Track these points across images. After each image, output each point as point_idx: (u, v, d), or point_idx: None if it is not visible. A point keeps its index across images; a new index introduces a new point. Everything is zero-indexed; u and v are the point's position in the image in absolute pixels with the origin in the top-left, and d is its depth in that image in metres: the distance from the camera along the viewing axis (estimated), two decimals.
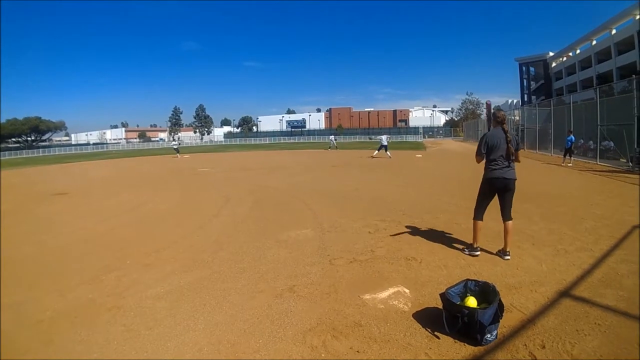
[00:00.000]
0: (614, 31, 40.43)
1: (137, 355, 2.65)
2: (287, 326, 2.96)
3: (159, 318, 3.17)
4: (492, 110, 4.61)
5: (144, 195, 10.72)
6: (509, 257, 4.24)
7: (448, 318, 2.78)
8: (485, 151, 4.27)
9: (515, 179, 4.26)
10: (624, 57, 37.96)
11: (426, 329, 2.83)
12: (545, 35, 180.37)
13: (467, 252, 4.44)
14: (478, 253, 4.38)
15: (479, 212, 4.42)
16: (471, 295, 2.95)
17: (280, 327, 2.96)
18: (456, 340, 2.67)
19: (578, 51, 49.29)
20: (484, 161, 4.38)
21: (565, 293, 3.36)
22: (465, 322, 2.65)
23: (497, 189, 4.27)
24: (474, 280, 3.09)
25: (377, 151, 22.60)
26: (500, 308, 2.75)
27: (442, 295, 2.92)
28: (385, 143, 22.05)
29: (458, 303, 2.83)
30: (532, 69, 63.62)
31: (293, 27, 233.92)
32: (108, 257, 4.89)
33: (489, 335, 2.61)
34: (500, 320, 2.73)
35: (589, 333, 2.69)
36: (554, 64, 57.28)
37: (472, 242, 4.50)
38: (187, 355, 2.63)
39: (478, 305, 2.82)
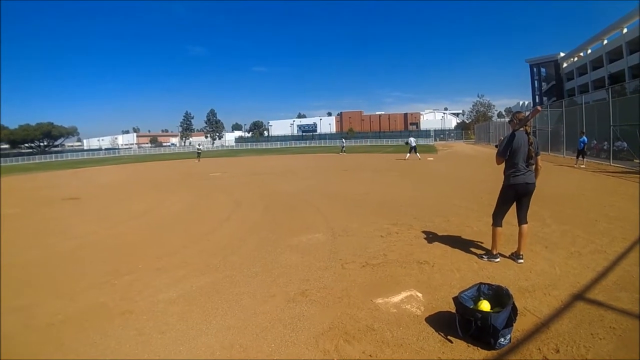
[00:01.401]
0: (625, 30, 39.93)
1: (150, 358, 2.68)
2: (299, 330, 2.97)
3: (172, 322, 3.20)
4: (520, 116, 4.33)
5: (155, 199, 10.84)
6: (522, 261, 4.19)
7: (461, 322, 2.77)
8: (509, 153, 4.18)
9: (535, 182, 4.24)
10: (635, 57, 37.41)
11: (439, 333, 2.81)
12: (556, 36, 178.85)
13: (486, 259, 4.34)
14: (498, 259, 4.30)
15: (498, 218, 4.35)
16: (484, 298, 2.93)
17: (293, 331, 2.96)
18: (469, 345, 2.65)
19: (589, 51, 48.77)
20: (503, 167, 4.32)
21: (580, 296, 3.31)
22: (478, 326, 2.63)
23: (519, 194, 4.23)
24: (487, 284, 3.07)
25: (408, 154, 22.91)
26: (514, 312, 2.73)
27: (455, 299, 2.90)
28: (414, 144, 23.32)
29: (471, 307, 2.81)
30: (543, 70, 63.11)
31: (300, 32, 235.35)
32: (119, 261, 4.95)
33: (502, 339, 2.58)
34: (514, 324, 2.70)
35: (604, 337, 2.65)
36: (565, 65, 56.71)
37: (490, 248, 4.43)
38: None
39: (491, 308, 2.80)
